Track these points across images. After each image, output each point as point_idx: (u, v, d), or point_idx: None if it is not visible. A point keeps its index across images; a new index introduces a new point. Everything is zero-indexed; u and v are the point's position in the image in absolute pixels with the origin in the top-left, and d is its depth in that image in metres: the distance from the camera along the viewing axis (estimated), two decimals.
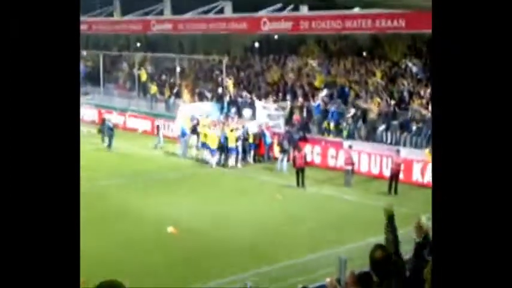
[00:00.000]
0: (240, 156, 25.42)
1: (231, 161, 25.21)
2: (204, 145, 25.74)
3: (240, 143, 25.35)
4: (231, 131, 25.37)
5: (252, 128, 26.52)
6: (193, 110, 29.07)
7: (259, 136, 26.15)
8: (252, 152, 26.05)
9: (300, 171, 22.07)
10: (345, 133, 26.05)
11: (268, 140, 26.03)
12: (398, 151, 21.86)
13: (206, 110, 29.18)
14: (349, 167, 22.52)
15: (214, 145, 25.23)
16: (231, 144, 25.03)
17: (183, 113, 29.01)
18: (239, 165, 25.30)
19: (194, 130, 27.34)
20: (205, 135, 25.54)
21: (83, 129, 32.75)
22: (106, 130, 27.82)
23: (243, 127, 26.23)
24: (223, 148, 25.23)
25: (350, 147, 23.73)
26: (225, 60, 34.03)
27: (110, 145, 28.22)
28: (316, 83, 29.48)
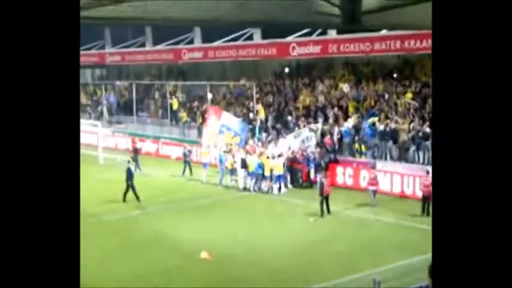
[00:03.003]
0: (282, 183, 25.22)
1: (276, 187, 25.08)
2: (251, 173, 25.66)
3: (284, 170, 25.23)
4: (268, 157, 25.47)
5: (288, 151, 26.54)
6: (223, 121, 28.77)
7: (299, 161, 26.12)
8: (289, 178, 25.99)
9: (324, 199, 21.26)
10: (376, 154, 25.94)
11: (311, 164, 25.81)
12: (428, 172, 21.65)
13: (234, 125, 28.90)
14: (373, 188, 22.70)
15: (253, 170, 25.38)
16: (277, 171, 24.93)
17: (212, 125, 28.91)
18: (283, 190, 25.12)
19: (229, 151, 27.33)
20: (250, 164, 25.58)
21: (117, 157, 33.37)
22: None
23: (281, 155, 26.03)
24: (263, 175, 25.27)
25: (373, 167, 23.70)
26: (255, 85, 34.29)
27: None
28: (349, 108, 29.47)
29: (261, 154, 26.21)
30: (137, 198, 23.64)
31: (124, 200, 23.65)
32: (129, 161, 25.40)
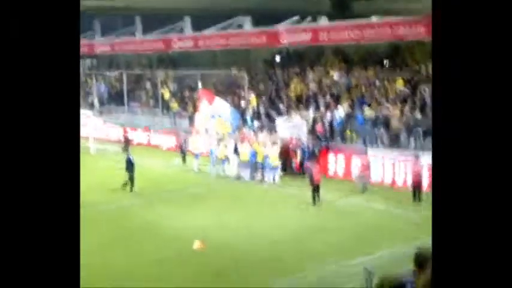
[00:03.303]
0: (278, 172, 25.11)
1: (269, 177, 24.99)
2: (244, 162, 25.63)
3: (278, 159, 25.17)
4: (259, 145, 25.44)
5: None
6: (215, 106, 28.64)
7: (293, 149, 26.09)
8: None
9: (316, 188, 21.26)
10: (367, 140, 26.03)
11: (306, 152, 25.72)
12: (417, 157, 21.70)
13: (226, 112, 28.76)
14: (364, 173, 22.98)
15: (246, 160, 25.37)
16: (272, 160, 24.84)
17: (204, 110, 28.78)
18: (277, 180, 25.00)
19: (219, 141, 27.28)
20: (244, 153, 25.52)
21: (109, 148, 33.33)
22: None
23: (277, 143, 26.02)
24: (256, 163, 25.23)
25: (365, 153, 24.06)
26: (246, 74, 34.24)
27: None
28: (340, 96, 29.51)
29: (253, 142, 26.21)
30: (131, 188, 23.58)
31: (131, 190, 23.60)
32: (127, 150, 25.17)
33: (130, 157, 24.31)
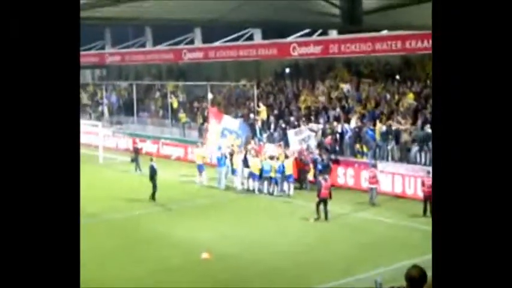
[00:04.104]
0: (292, 185, 24.73)
1: (282, 188, 24.67)
2: (253, 175, 25.35)
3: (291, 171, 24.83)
4: (272, 158, 25.19)
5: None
6: (224, 124, 28.57)
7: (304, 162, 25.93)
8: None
9: (322, 202, 20.57)
10: (377, 155, 25.91)
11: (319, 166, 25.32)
12: (429, 172, 21.58)
13: (235, 127, 28.72)
14: (374, 186, 22.81)
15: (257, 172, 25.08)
16: (289, 171, 24.57)
17: (213, 129, 28.76)
18: (291, 192, 24.65)
19: (231, 155, 27.05)
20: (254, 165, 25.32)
21: (117, 157, 33.38)
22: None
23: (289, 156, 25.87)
24: (269, 177, 24.96)
25: (374, 166, 23.88)
26: (255, 85, 34.25)
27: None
28: (350, 109, 29.44)
29: (263, 155, 26.08)
30: (153, 197, 23.67)
31: (153, 199, 23.66)
32: (151, 159, 25.12)
33: (154, 165, 24.27)
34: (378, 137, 26.21)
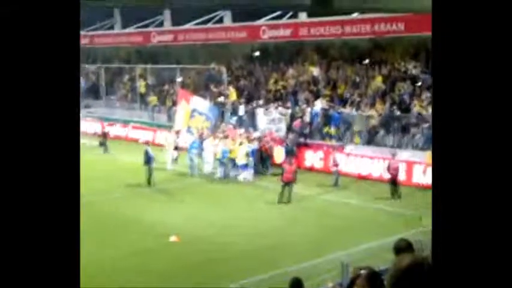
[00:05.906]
0: (250, 170, 24.81)
1: (244, 174, 24.69)
2: (220, 159, 25.19)
3: (252, 158, 24.86)
4: (240, 144, 25.13)
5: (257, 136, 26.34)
6: (193, 105, 28.25)
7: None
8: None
9: (287, 186, 20.68)
10: (345, 137, 26.10)
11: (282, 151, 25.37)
12: (394, 154, 21.83)
13: (205, 109, 28.41)
14: (335, 168, 23.09)
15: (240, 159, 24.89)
16: (243, 160, 24.57)
17: (183, 109, 28.40)
18: (249, 178, 24.66)
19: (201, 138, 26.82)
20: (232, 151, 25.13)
21: (85, 141, 32.99)
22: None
23: (254, 139, 25.80)
24: (228, 161, 25.00)
25: (338, 148, 24.31)
26: (225, 69, 34.11)
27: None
28: (319, 92, 29.52)
29: (232, 138, 26.04)
30: (149, 182, 23.50)
31: (149, 183, 23.48)
32: (147, 143, 24.94)
33: (149, 150, 24.09)
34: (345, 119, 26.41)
